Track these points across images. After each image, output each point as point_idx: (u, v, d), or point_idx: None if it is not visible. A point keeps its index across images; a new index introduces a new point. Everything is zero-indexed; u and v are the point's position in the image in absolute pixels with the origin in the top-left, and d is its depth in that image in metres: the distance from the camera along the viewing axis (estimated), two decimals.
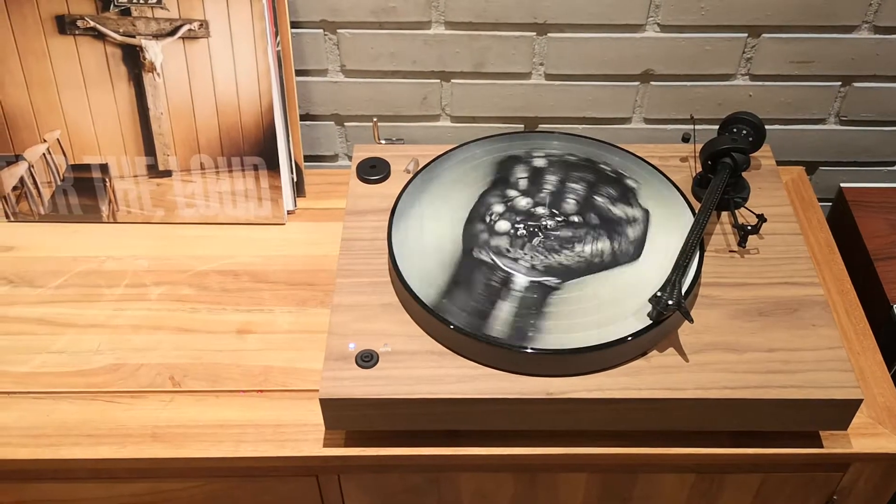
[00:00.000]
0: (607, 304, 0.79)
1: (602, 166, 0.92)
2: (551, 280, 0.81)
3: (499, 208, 0.87)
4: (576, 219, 0.86)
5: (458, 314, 0.78)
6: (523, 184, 0.90)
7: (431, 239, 0.85)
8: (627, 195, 0.89)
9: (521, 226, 0.86)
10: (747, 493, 0.88)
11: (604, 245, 0.84)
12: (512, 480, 0.86)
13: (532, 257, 0.83)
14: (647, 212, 0.87)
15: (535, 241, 0.84)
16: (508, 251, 0.83)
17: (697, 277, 0.82)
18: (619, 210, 0.87)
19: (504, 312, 0.79)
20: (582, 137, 0.97)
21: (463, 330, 0.77)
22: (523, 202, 0.87)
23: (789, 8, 0.98)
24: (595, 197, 0.88)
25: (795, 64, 1.03)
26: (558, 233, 0.85)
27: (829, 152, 1.13)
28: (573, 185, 0.89)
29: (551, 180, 0.90)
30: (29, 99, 0.97)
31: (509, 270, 0.82)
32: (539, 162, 0.92)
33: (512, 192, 0.89)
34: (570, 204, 0.87)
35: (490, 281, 0.81)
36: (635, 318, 0.78)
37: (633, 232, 0.85)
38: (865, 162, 1.14)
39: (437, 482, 0.86)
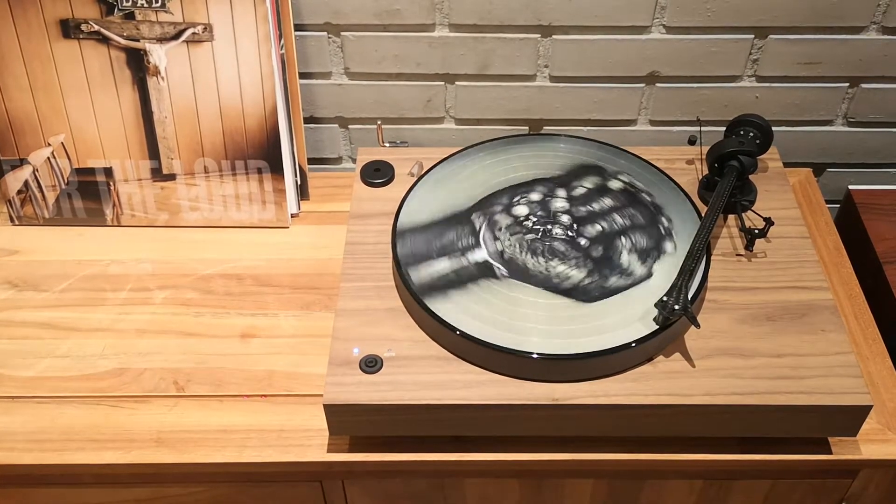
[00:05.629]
0: (523, 317, 0.78)
1: (663, 219, 0.86)
2: (501, 269, 0.81)
3: (535, 196, 0.86)
4: (583, 241, 0.84)
5: (406, 248, 0.82)
6: (579, 192, 0.88)
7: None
8: (649, 253, 0.84)
9: (534, 219, 0.85)
10: (755, 500, 0.87)
11: (576, 274, 0.81)
12: (517, 486, 0.86)
13: (510, 246, 0.82)
14: (649, 275, 0.82)
15: (529, 236, 0.83)
16: (500, 229, 0.83)
17: (704, 282, 0.81)
18: (626, 259, 0.83)
19: (438, 266, 0.80)
20: (587, 140, 0.96)
21: (468, 335, 0.76)
22: (559, 204, 0.86)
23: (796, 9, 0.97)
24: (622, 237, 0.85)
25: (803, 65, 1.02)
26: (555, 243, 0.84)
27: (836, 154, 1.12)
28: (616, 217, 0.86)
29: (605, 202, 0.87)
30: (34, 103, 0.96)
31: (481, 241, 0.82)
32: (614, 184, 0.89)
33: (560, 192, 0.88)
34: (594, 228, 0.85)
35: (458, 238, 0.82)
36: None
37: (614, 282, 0.81)
38: (874, 164, 1.13)
39: (442, 488, 0.86)
